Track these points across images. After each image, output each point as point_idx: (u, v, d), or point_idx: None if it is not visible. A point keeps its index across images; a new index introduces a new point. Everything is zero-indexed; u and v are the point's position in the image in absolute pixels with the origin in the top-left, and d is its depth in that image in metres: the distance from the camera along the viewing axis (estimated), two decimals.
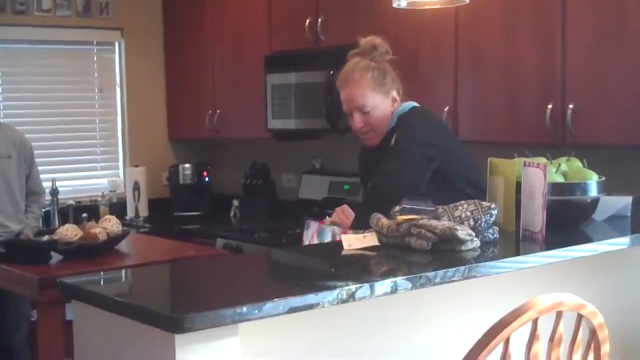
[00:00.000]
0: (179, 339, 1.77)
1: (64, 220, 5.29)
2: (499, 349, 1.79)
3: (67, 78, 5.85)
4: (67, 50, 5.85)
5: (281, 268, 2.51)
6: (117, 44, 6.00)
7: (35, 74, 5.73)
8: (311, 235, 3.02)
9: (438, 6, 3.24)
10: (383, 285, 2.05)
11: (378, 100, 3.12)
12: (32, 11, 5.56)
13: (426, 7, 3.26)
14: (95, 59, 5.98)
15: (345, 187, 5.11)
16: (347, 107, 3.18)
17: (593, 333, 1.94)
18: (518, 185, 2.61)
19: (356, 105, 3.13)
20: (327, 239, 2.92)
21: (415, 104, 3.21)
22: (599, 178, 2.74)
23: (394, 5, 3.13)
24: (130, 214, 5.89)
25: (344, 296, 1.97)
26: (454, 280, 2.20)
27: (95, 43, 5.94)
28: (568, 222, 2.71)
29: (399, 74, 3.19)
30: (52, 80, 5.79)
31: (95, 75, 5.98)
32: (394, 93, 3.15)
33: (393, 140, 3.07)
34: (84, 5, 5.75)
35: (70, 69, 5.86)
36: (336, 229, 2.96)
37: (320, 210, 5.08)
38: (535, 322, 1.82)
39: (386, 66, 3.14)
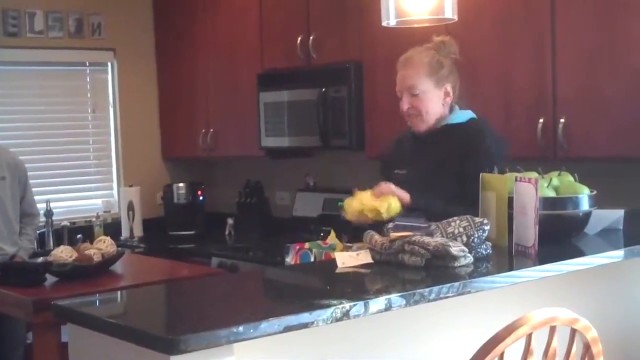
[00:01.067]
0: None
1: (58, 242, 5.28)
2: None
3: (60, 99, 5.85)
4: (59, 72, 5.86)
5: (276, 287, 2.52)
6: (109, 64, 6.02)
7: (28, 95, 5.73)
8: (292, 260, 3.04)
9: (427, 24, 3.26)
10: (377, 303, 2.06)
11: (429, 86, 3.15)
12: (25, 33, 5.58)
13: (415, 25, 3.28)
14: (88, 79, 5.98)
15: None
16: (399, 87, 3.21)
17: (587, 347, 1.95)
18: (510, 200, 2.62)
19: (407, 85, 3.16)
20: (310, 261, 2.94)
21: (472, 114, 3.25)
22: (591, 192, 2.75)
23: (383, 23, 3.15)
24: (124, 234, 5.88)
25: (339, 314, 1.98)
26: (448, 297, 2.21)
27: (87, 64, 5.95)
28: (560, 236, 2.72)
29: (460, 77, 3.24)
30: (45, 101, 5.79)
31: (88, 95, 5.98)
32: (448, 86, 3.17)
33: (474, 146, 3.06)
34: (76, 27, 5.77)
35: (63, 90, 5.87)
36: (316, 251, 2.98)
37: (316, 227, 5.10)
38: (529, 337, 1.83)
39: (447, 61, 3.19)
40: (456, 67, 3.23)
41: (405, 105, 3.17)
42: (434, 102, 3.16)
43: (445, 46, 3.19)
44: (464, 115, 3.20)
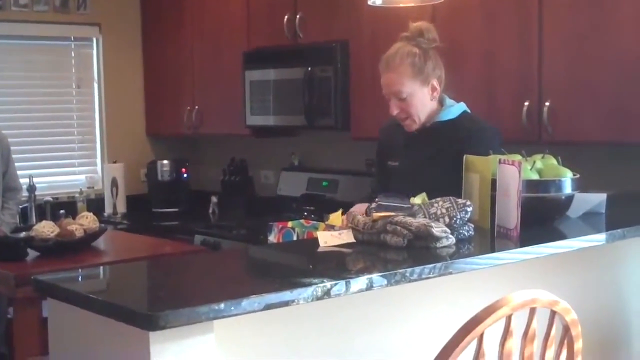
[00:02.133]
0: (153, 336, 1.77)
1: (40, 217, 5.26)
2: (473, 345, 1.80)
3: (44, 74, 5.82)
4: (44, 46, 5.82)
5: (258, 265, 2.51)
6: (94, 39, 5.98)
7: (12, 69, 5.69)
8: (275, 239, 3.04)
9: (412, 4, 3.24)
10: (358, 282, 2.06)
11: (416, 88, 3.09)
12: (9, 6, 5.53)
13: (401, 4, 3.26)
14: (72, 54, 5.95)
15: (324, 183, 5.12)
16: (385, 91, 3.15)
17: (566, 329, 1.96)
18: (493, 182, 2.62)
19: (393, 91, 3.11)
20: (292, 240, 2.93)
21: (465, 107, 3.21)
22: (574, 175, 2.76)
23: (369, 3, 3.13)
24: (108, 210, 5.87)
25: (320, 293, 1.98)
26: (429, 277, 2.21)
27: (72, 39, 5.92)
28: (543, 219, 2.72)
29: (444, 63, 3.17)
30: (29, 75, 5.76)
31: (73, 71, 5.95)
32: (434, 82, 3.11)
33: (471, 142, 3.01)
34: (61, 1, 5.72)
35: (47, 65, 5.83)
36: (299, 230, 2.96)
37: (299, 206, 5.10)
38: (509, 318, 1.83)
39: (430, 53, 3.11)
40: (439, 54, 3.17)
41: (394, 109, 3.12)
42: (423, 101, 3.12)
43: (424, 34, 3.10)
44: (455, 110, 3.17)
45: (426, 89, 3.11)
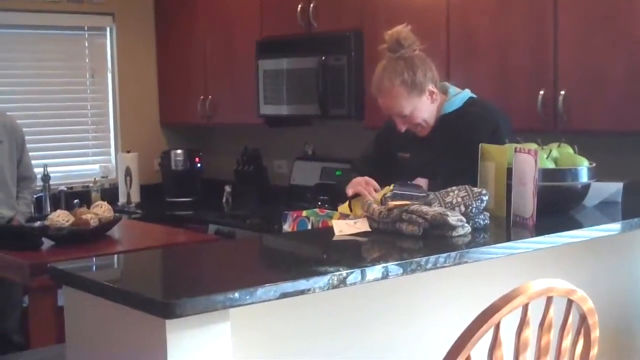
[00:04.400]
0: (170, 324, 1.77)
1: (55, 206, 5.28)
2: (489, 334, 1.79)
3: (58, 63, 5.83)
4: (58, 36, 5.83)
5: (273, 254, 2.52)
6: (108, 29, 5.98)
7: (26, 59, 5.70)
8: (290, 228, 3.03)
9: None
10: (374, 271, 2.06)
11: (415, 103, 3.02)
12: None
13: None
14: (86, 44, 5.96)
15: (337, 172, 5.11)
16: (385, 113, 3.13)
17: (583, 318, 1.95)
18: (509, 171, 2.61)
19: (394, 113, 3.07)
20: (307, 229, 2.93)
21: (470, 93, 3.17)
22: (590, 164, 2.75)
23: None
24: (122, 199, 5.88)
25: (335, 282, 1.98)
26: (444, 266, 2.21)
27: (86, 28, 5.92)
28: (559, 208, 2.71)
29: (432, 60, 3.10)
30: (43, 65, 5.77)
31: (87, 60, 5.96)
32: (430, 87, 3.04)
33: (484, 135, 2.95)
34: None
35: (61, 54, 5.84)
36: (314, 219, 2.96)
37: (313, 195, 5.10)
38: (525, 307, 1.82)
39: (415, 61, 3.02)
40: (424, 55, 3.08)
41: (402, 127, 3.09)
42: (426, 109, 3.06)
43: (402, 44, 3.01)
44: (459, 99, 3.13)
45: (425, 97, 3.04)
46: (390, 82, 3.00)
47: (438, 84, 3.10)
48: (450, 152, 3.05)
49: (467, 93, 3.16)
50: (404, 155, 3.23)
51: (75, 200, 5.44)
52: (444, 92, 3.14)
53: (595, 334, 1.97)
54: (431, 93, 3.06)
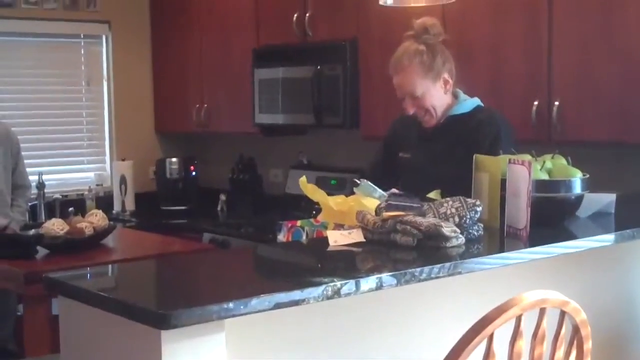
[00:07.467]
0: (165, 335, 1.78)
1: (50, 214, 5.28)
2: (483, 345, 1.80)
3: (53, 71, 5.84)
4: (53, 43, 5.83)
5: (267, 264, 2.52)
6: (104, 37, 5.99)
7: (21, 67, 5.71)
8: (284, 237, 3.04)
9: (424, 4, 3.25)
10: (368, 282, 2.06)
11: (428, 85, 3.12)
12: (19, 4, 5.54)
13: (412, 4, 3.27)
14: (82, 52, 5.96)
15: (332, 182, 5.12)
16: (398, 92, 3.19)
17: (576, 330, 1.96)
18: (503, 182, 2.62)
19: (406, 91, 3.15)
20: (302, 239, 2.93)
21: (479, 102, 3.23)
22: (583, 175, 2.76)
23: (380, 3, 3.14)
24: (116, 208, 5.88)
25: (330, 292, 1.98)
26: (439, 277, 2.22)
27: (82, 36, 5.93)
28: (552, 219, 2.72)
29: (453, 55, 3.20)
30: (38, 73, 5.78)
31: (82, 68, 5.96)
32: (446, 75, 3.15)
33: (485, 139, 3.04)
34: None
35: (57, 62, 5.85)
36: (308, 229, 2.97)
37: (307, 205, 5.09)
38: (519, 318, 1.83)
39: (437, 48, 3.14)
40: (446, 47, 3.19)
41: (410, 109, 3.16)
42: (438, 96, 3.16)
43: (429, 30, 3.13)
44: (468, 104, 3.19)
45: (439, 84, 3.14)
46: (409, 60, 3.11)
47: (454, 77, 3.15)
48: (452, 155, 3.08)
49: (476, 100, 3.24)
50: (404, 156, 3.25)
51: (70, 208, 5.43)
52: (455, 96, 3.20)
53: (588, 345, 1.98)
54: (446, 82, 3.15)
